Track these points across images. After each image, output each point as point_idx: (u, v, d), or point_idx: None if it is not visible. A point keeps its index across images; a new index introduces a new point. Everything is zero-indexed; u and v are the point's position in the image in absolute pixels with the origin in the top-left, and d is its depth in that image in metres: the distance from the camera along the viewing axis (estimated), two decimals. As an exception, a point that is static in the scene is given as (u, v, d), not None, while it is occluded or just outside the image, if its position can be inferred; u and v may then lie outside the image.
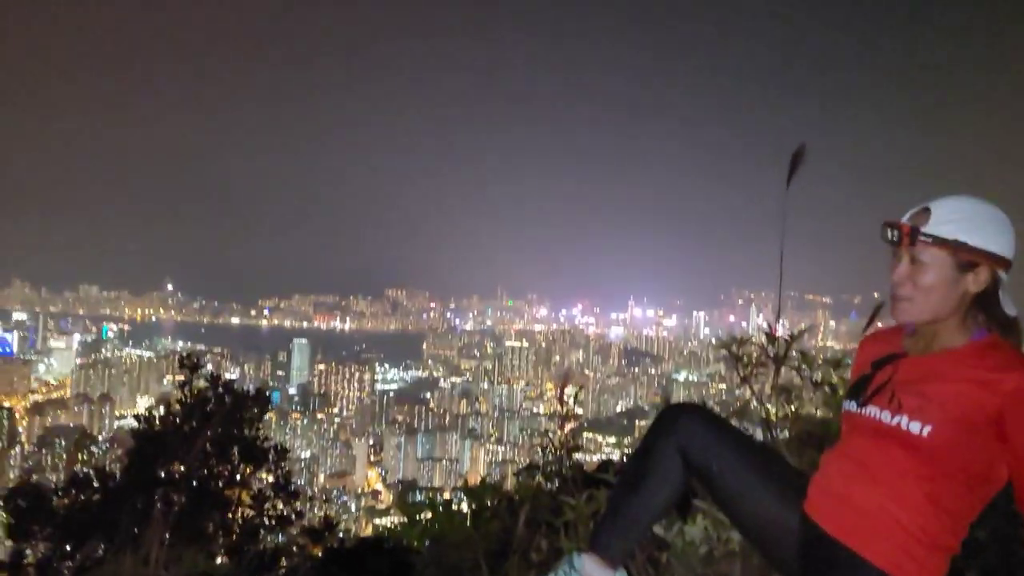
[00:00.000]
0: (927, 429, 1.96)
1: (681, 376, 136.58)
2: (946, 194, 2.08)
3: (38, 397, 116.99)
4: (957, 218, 2.01)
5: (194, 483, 8.28)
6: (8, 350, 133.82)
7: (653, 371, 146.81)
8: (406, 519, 4.88)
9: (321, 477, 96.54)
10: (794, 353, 3.49)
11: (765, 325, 3.61)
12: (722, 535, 2.98)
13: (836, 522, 2.04)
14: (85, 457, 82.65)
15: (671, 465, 2.22)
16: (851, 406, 2.18)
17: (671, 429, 2.25)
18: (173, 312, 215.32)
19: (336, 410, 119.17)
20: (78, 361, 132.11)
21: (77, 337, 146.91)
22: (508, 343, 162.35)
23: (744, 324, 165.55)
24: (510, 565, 3.63)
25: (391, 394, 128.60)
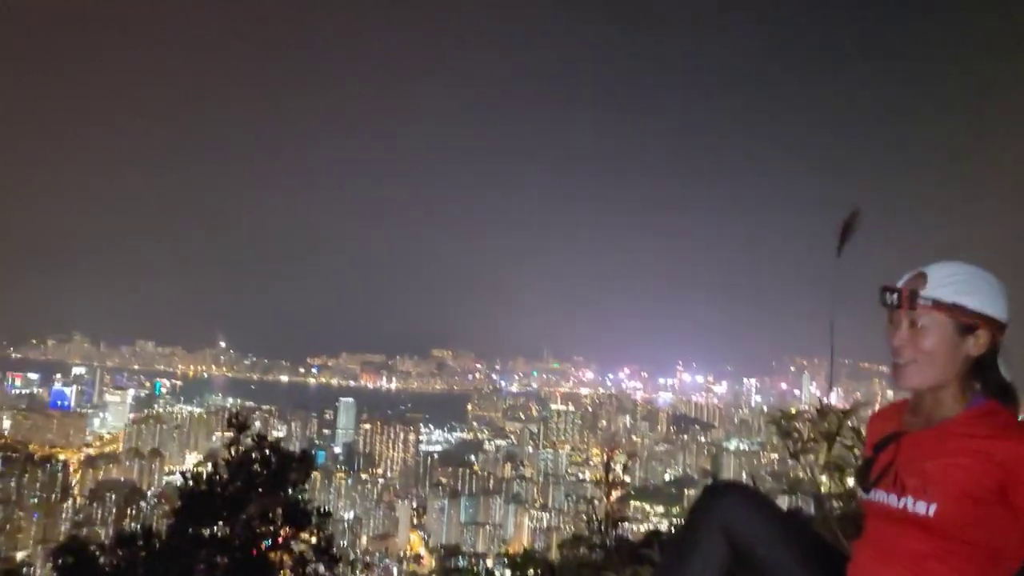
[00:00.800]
0: (932, 508, 1.96)
1: (732, 445, 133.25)
2: (939, 259, 2.08)
3: (92, 451, 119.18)
4: (954, 281, 2.03)
5: (237, 544, 8.27)
6: (66, 403, 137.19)
7: (703, 439, 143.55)
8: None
9: (364, 539, 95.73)
10: (849, 424, 3.40)
11: (817, 394, 3.53)
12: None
13: None
14: (134, 512, 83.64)
15: (715, 547, 2.21)
16: (861, 493, 2.19)
17: (715, 510, 2.25)
18: (225, 368, 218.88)
19: (380, 470, 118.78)
20: (131, 416, 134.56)
21: (131, 392, 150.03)
22: (554, 406, 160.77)
23: (796, 392, 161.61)
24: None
25: (435, 455, 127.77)
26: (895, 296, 2.07)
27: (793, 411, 3.53)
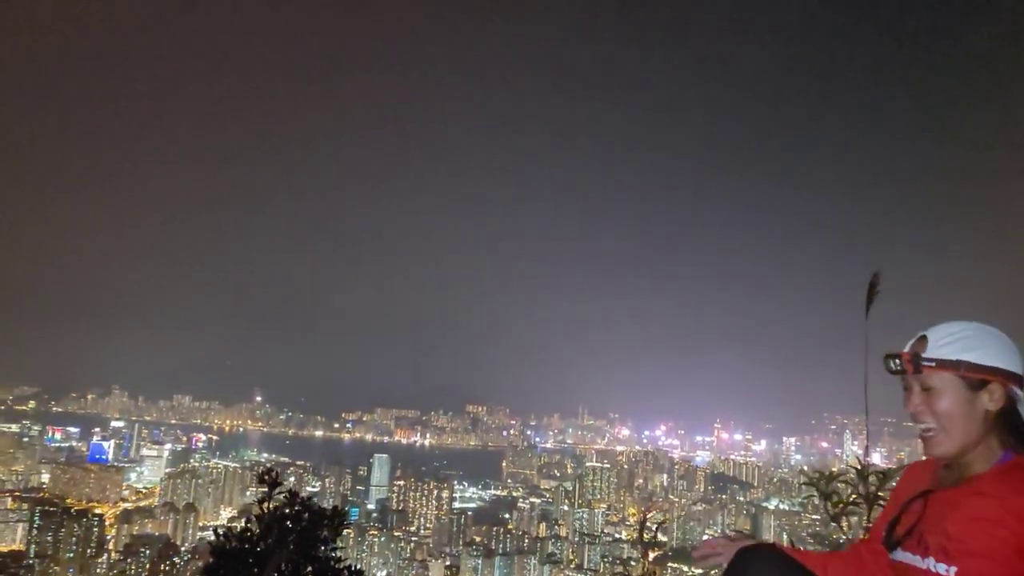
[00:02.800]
0: (953, 570, 1.95)
1: (771, 504, 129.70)
2: (941, 321, 2.09)
3: (128, 505, 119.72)
4: (955, 339, 2.03)
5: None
6: (104, 457, 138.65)
7: (742, 498, 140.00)
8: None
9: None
10: (891, 485, 3.29)
11: (857, 454, 3.43)
12: None
13: None
14: (167, 567, 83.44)
15: None
16: (888, 552, 2.18)
17: (746, 574, 2.22)
18: (260, 423, 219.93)
19: (414, 528, 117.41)
20: (167, 470, 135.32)
21: (168, 446, 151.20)
22: (589, 463, 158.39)
23: (837, 451, 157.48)
24: None
25: (469, 513, 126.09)
26: (897, 362, 2.07)
27: (832, 471, 3.43)
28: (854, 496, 3.33)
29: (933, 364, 2.01)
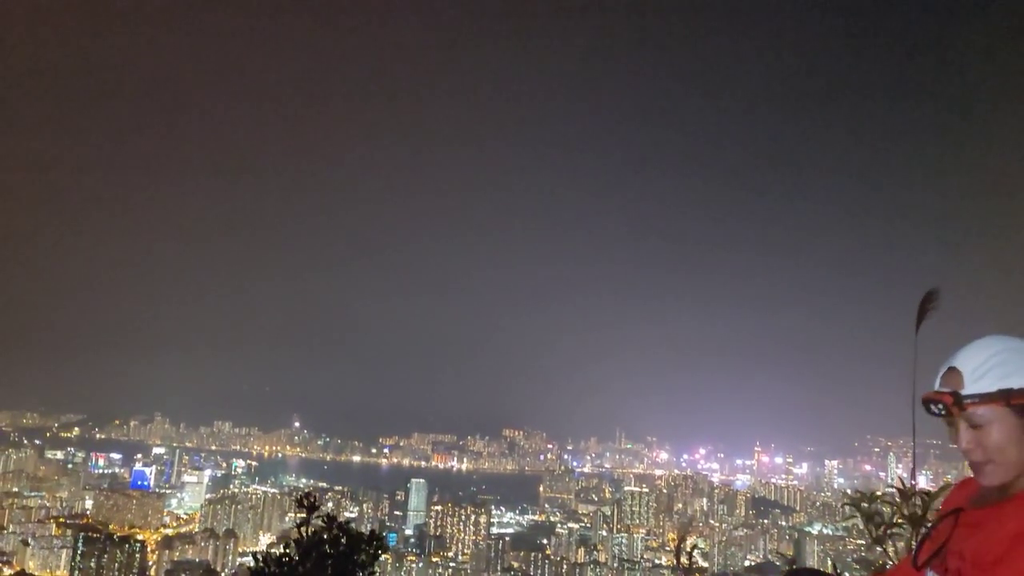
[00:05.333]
0: None
1: (814, 529, 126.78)
2: (962, 346, 1.99)
3: (169, 531, 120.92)
4: (991, 366, 1.93)
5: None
6: (145, 484, 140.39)
7: (783, 522, 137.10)
8: None
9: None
10: (937, 507, 3.20)
11: (902, 476, 3.35)
12: None
13: None
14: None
15: None
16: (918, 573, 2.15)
17: None
18: (299, 449, 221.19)
19: (451, 553, 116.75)
20: (207, 496, 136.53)
21: (208, 472, 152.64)
22: (627, 488, 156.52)
23: (881, 474, 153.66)
24: None
25: (507, 538, 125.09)
26: (941, 406, 1.98)
27: (875, 492, 3.34)
28: (898, 518, 3.25)
29: (976, 400, 1.92)
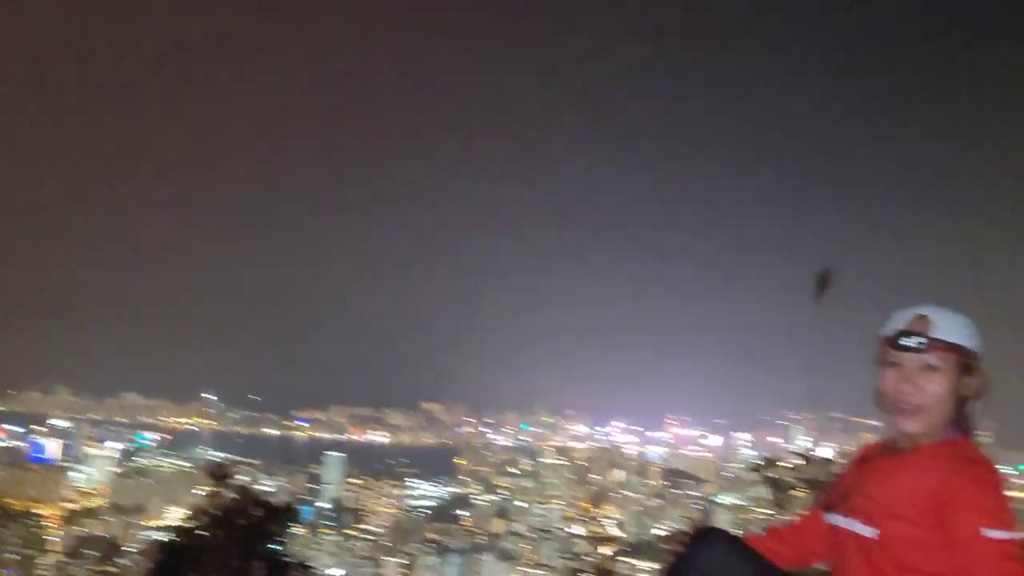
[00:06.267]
0: (875, 532, 2.07)
1: (723, 499, 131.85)
2: (926, 303, 2.15)
3: (73, 505, 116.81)
4: (956, 325, 2.11)
5: (215, 599, 8.08)
6: (47, 457, 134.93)
7: (695, 493, 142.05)
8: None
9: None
10: (834, 471, 3.37)
11: (804, 446, 3.51)
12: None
13: None
14: (113, 568, 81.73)
15: None
16: (826, 516, 2.30)
17: (696, 556, 2.30)
18: (212, 421, 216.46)
19: (368, 526, 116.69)
20: (114, 470, 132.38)
21: (115, 445, 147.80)
22: (545, 460, 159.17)
23: (788, 446, 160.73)
24: None
25: (425, 511, 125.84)
26: (920, 340, 2.09)
27: (775, 458, 3.51)
28: (798, 482, 3.41)
29: (943, 346, 2.07)
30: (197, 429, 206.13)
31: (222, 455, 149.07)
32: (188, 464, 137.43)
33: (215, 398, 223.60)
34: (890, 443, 2.22)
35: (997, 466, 2.11)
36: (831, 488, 2.30)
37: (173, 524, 9.53)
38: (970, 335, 2.11)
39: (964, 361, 2.09)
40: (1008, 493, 2.03)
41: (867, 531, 2.10)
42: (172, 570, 8.54)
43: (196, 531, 9.14)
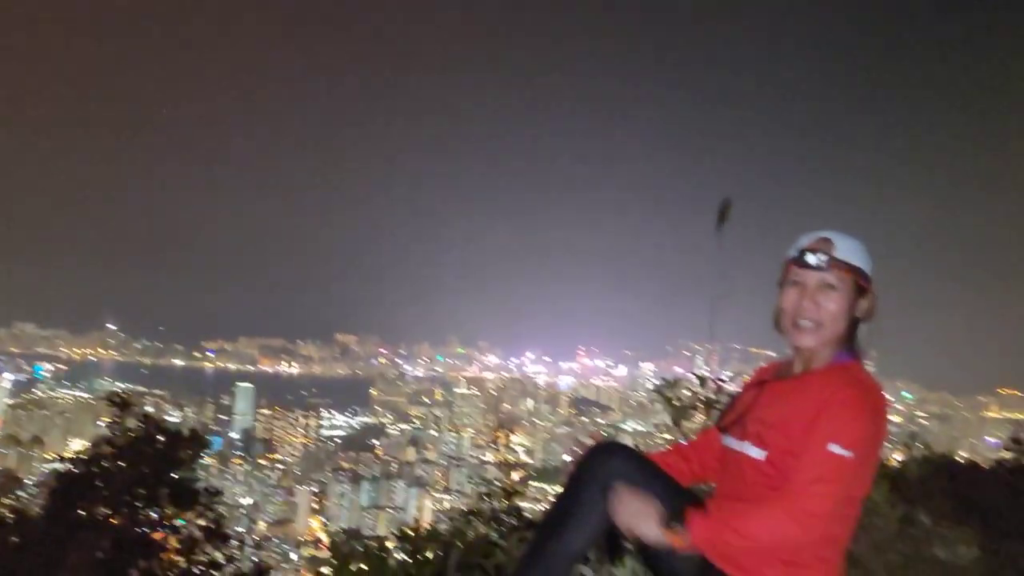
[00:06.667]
0: (765, 453, 2.14)
1: (628, 426, 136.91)
2: (826, 228, 2.21)
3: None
4: (854, 248, 2.20)
5: (118, 526, 7.91)
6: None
7: (602, 420, 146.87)
8: (338, 564, 4.75)
9: (261, 525, 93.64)
10: (729, 392, 3.56)
11: (704, 369, 3.69)
12: None
13: (716, 551, 2.15)
14: (10, 502, 79.19)
15: (593, 507, 2.31)
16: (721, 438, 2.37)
17: (597, 468, 2.35)
18: (113, 352, 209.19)
19: (280, 456, 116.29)
20: (8, 402, 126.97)
21: (9, 377, 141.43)
22: (458, 390, 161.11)
23: (691, 376, 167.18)
24: (440, 610, 3.56)
25: (337, 440, 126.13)
26: (823, 258, 2.17)
27: (676, 379, 3.68)
28: (696, 402, 3.58)
29: (844, 266, 2.16)
30: (97, 360, 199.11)
31: (126, 386, 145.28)
32: (89, 395, 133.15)
33: (116, 328, 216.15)
34: (785, 367, 2.32)
35: (885, 393, 2.18)
36: (726, 410, 2.41)
37: (74, 454, 9.25)
38: (866, 259, 2.18)
39: (859, 283, 2.17)
40: (886, 419, 2.14)
41: (757, 453, 2.16)
42: (70, 501, 8.33)
43: (98, 461, 8.91)
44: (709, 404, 3.47)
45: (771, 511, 2.03)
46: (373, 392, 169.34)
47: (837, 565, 2.15)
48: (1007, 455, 9.52)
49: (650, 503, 2.20)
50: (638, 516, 2.21)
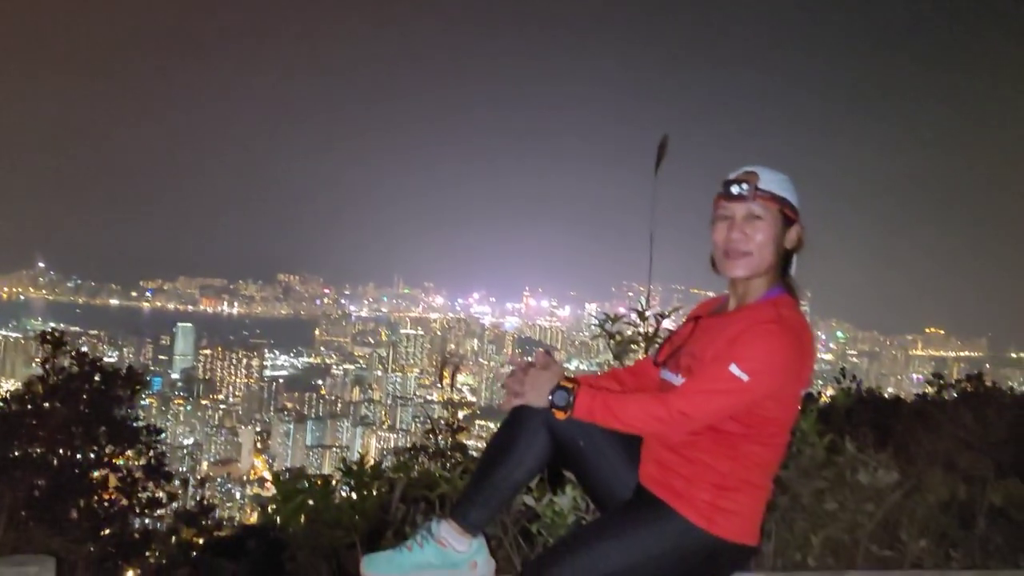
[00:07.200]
0: None
1: (572, 365, 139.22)
2: (754, 163, 2.25)
3: None
4: (782, 180, 2.23)
5: (56, 465, 7.78)
6: None
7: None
8: (282, 498, 4.77)
9: (204, 464, 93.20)
10: (667, 326, 3.66)
11: (643, 309, 3.75)
12: (591, 504, 3.07)
13: (651, 480, 2.22)
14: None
15: (536, 438, 2.31)
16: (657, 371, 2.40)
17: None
18: (44, 291, 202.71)
19: (222, 396, 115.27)
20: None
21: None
22: (403, 331, 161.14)
23: (634, 316, 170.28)
24: (386, 541, 3.62)
25: (280, 381, 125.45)
26: (744, 187, 2.19)
27: (617, 314, 3.75)
28: (635, 335, 3.65)
29: (767, 196, 2.19)
30: (25, 299, 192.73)
31: (59, 325, 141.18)
32: (19, 335, 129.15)
33: (45, 266, 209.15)
34: (721, 304, 2.36)
35: (815, 332, 2.27)
36: (662, 345, 2.46)
37: (6, 393, 9.00)
38: (791, 189, 2.22)
39: (786, 213, 2.19)
40: (811, 353, 2.17)
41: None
42: (5, 440, 8.14)
43: (32, 400, 8.69)
44: (649, 340, 3.54)
45: (650, 402, 2.15)
46: (317, 332, 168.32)
47: (766, 489, 2.22)
48: (929, 389, 10.24)
49: (546, 378, 2.30)
50: (532, 387, 2.32)
